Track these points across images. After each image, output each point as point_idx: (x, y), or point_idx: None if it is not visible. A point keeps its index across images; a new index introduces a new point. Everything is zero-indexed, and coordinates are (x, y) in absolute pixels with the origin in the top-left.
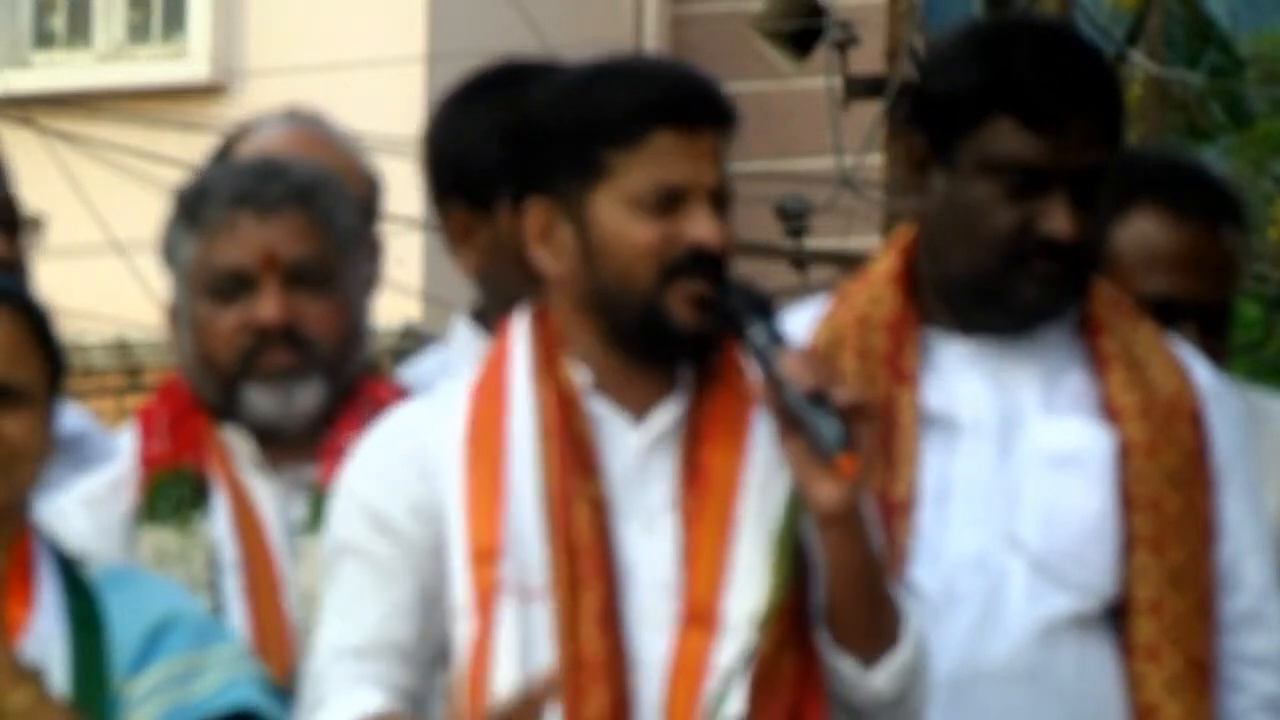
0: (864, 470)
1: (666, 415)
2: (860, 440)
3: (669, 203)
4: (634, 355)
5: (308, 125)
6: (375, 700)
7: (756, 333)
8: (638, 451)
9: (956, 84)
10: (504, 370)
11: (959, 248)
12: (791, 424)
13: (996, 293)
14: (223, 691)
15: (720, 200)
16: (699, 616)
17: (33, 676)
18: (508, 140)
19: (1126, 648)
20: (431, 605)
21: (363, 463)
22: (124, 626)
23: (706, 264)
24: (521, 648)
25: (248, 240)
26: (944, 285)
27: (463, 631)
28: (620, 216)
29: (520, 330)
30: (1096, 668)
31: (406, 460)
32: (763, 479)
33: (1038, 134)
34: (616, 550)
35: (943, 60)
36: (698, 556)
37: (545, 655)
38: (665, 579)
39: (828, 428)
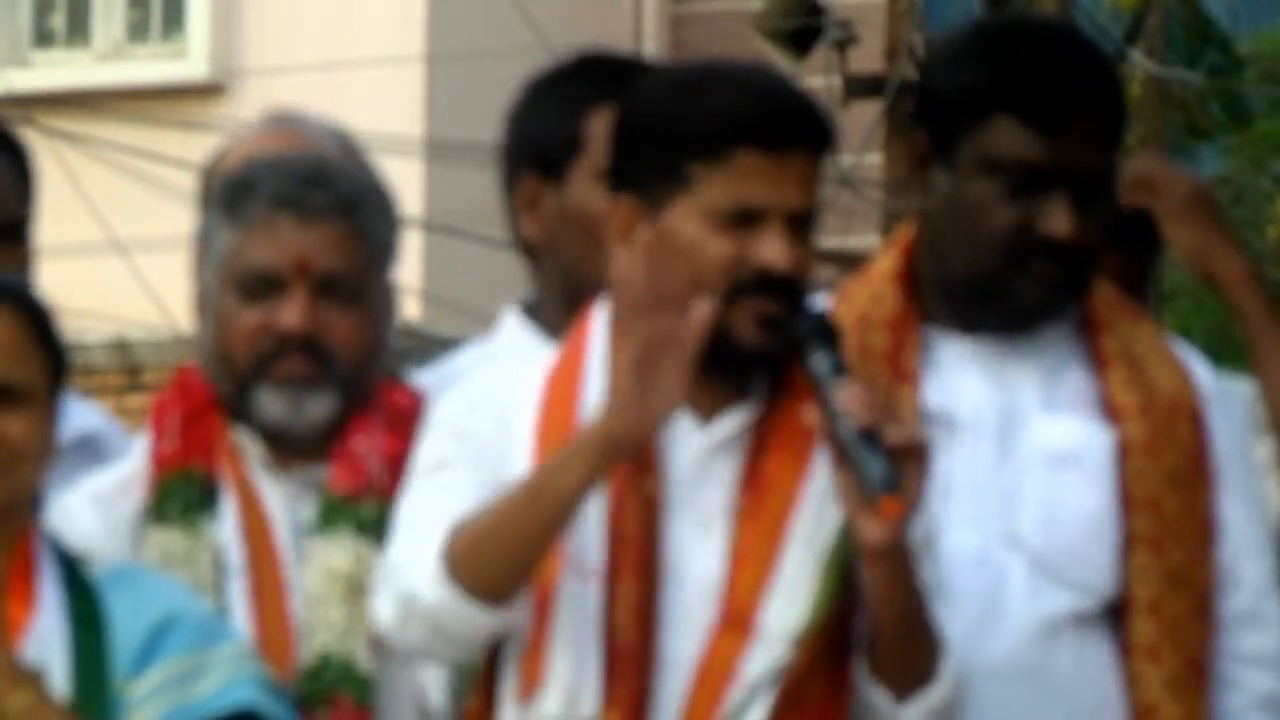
0: (909, 511)
1: (733, 421)
2: (907, 481)
3: (745, 222)
4: (701, 365)
5: (288, 126)
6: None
7: (818, 360)
8: (700, 453)
9: (958, 82)
10: (580, 359)
11: (959, 247)
12: (842, 456)
13: (996, 292)
14: (224, 692)
15: (802, 223)
16: (735, 622)
17: (33, 678)
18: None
19: (1125, 647)
20: None
21: (448, 404)
22: (125, 626)
23: (775, 286)
24: (575, 622)
25: (284, 244)
26: (944, 284)
27: (525, 602)
28: (695, 228)
29: (600, 321)
30: (1095, 666)
31: (490, 407)
32: (822, 494)
33: (1038, 133)
34: (663, 549)
35: (945, 58)
36: (744, 562)
37: (591, 633)
38: (710, 582)
39: (873, 467)
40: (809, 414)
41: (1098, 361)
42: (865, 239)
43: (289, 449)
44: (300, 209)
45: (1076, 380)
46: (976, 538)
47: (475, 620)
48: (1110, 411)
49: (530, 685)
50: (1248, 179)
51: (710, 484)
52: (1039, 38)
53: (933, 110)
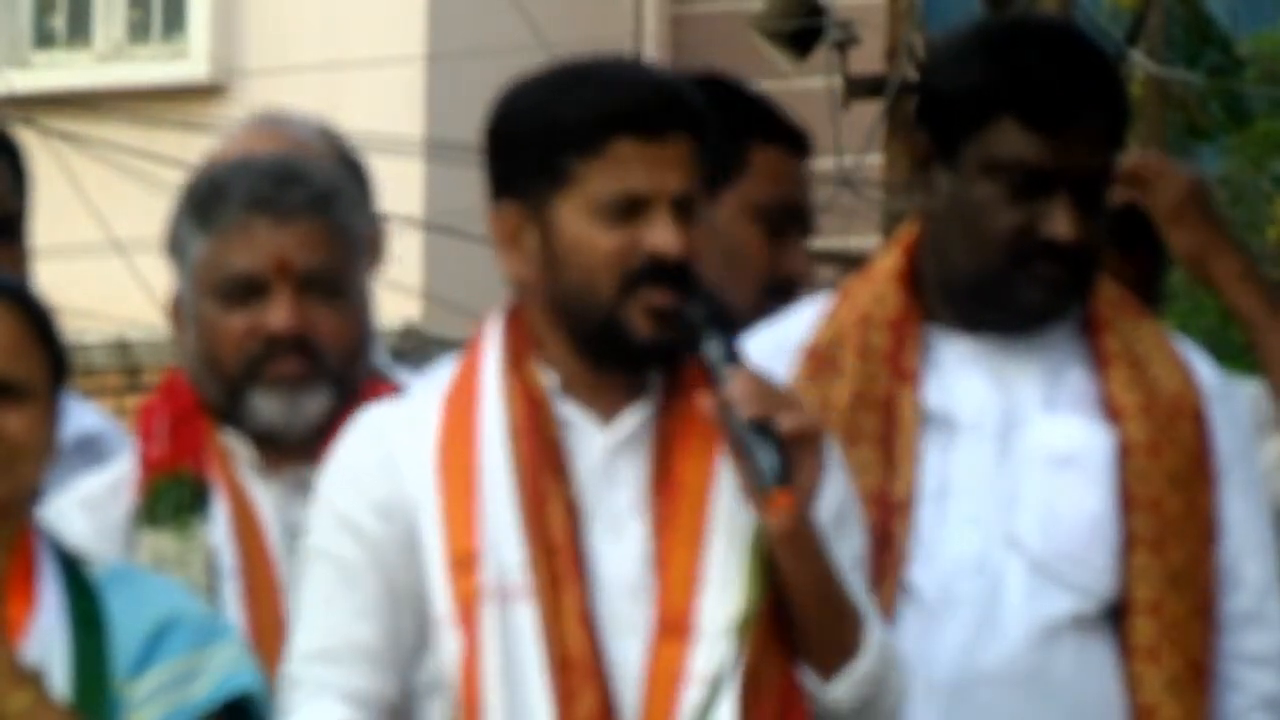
0: (801, 502)
1: (634, 418)
2: (799, 471)
3: (630, 211)
4: (597, 362)
5: (275, 126)
6: (334, 714)
7: (711, 347)
8: (603, 453)
9: (961, 83)
10: (476, 374)
11: (962, 248)
12: (737, 446)
13: (999, 294)
14: (222, 683)
15: (687, 208)
16: (672, 626)
17: (33, 678)
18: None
19: (1126, 648)
20: (402, 604)
21: (333, 466)
22: (126, 627)
23: (668, 273)
24: (505, 651)
25: (263, 246)
26: (947, 284)
27: (449, 642)
28: (583, 224)
29: (494, 332)
30: (1096, 669)
31: (374, 461)
32: (734, 485)
33: (1041, 135)
34: (586, 553)
35: (948, 59)
36: (669, 564)
37: (530, 654)
38: (633, 583)
39: (765, 459)
40: (704, 402)
41: (1099, 361)
42: (865, 239)
43: (281, 450)
44: (275, 209)
45: (1078, 380)
46: (976, 539)
47: None
48: (1111, 411)
49: None
50: (1248, 179)
51: (617, 484)
52: (1042, 39)
53: (935, 110)
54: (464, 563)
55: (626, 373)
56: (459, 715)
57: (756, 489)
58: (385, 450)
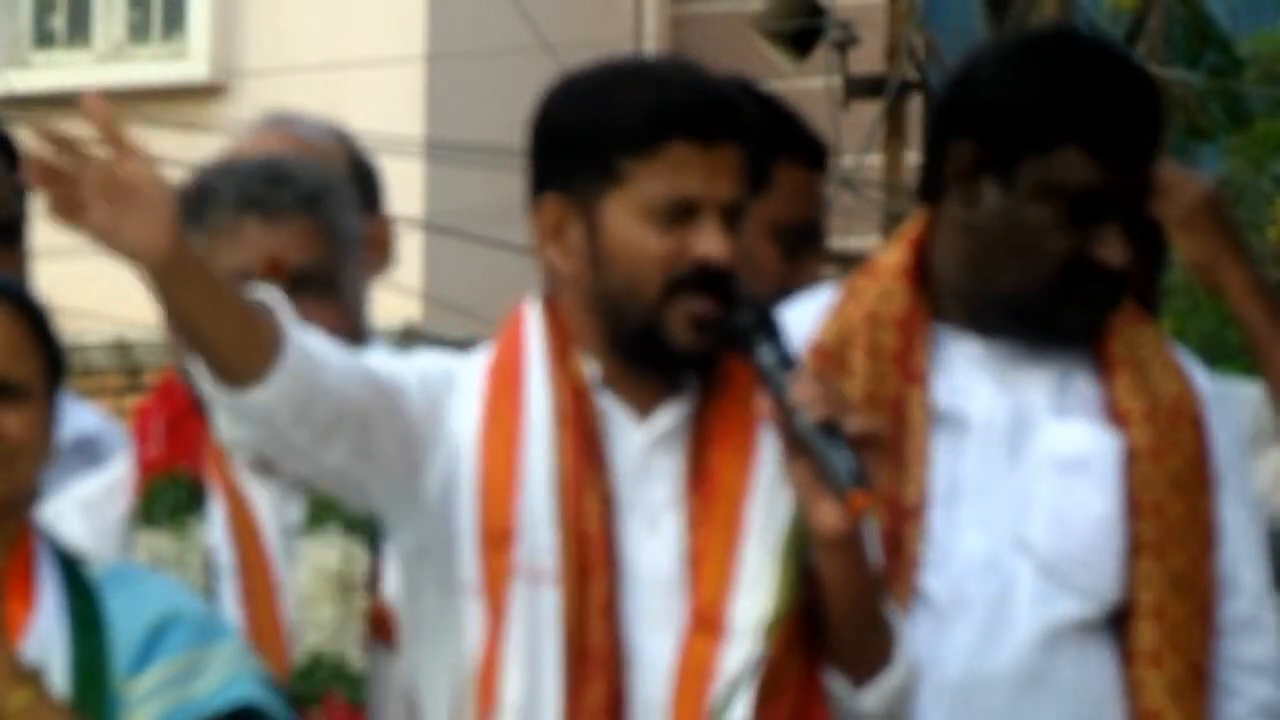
0: (877, 500)
1: (671, 414)
2: (870, 472)
3: (680, 215)
4: (632, 360)
5: (284, 126)
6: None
7: (765, 353)
8: (641, 448)
9: (1018, 101)
10: (520, 355)
11: (1009, 267)
12: (798, 448)
13: (1043, 314)
14: (223, 689)
15: (734, 216)
16: (706, 622)
17: (33, 677)
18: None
19: (1128, 653)
20: (391, 418)
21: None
22: (124, 626)
23: (712, 280)
24: (529, 632)
25: (253, 245)
26: (981, 297)
27: (472, 613)
28: (631, 224)
29: (533, 318)
30: (1098, 673)
31: (435, 376)
32: (770, 484)
33: (1105, 164)
34: (619, 545)
35: (996, 72)
36: (705, 560)
37: (549, 639)
38: (667, 578)
39: (840, 460)
40: (761, 406)
41: (1104, 366)
42: (865, 240)
43: None
44: (265, 209)
45: (1084, 385)
46: (985, 541)
47: (241, 402)
48: (1116, 416)
49: (488, 703)
50: (1248, 180)
51: (653, 479)
52: (1097, 64)
53: (985, 124)
54: (498, 539)
55: (661, 374)
56: (471, 690)
57: (830, 490)
58: (452, 378)
